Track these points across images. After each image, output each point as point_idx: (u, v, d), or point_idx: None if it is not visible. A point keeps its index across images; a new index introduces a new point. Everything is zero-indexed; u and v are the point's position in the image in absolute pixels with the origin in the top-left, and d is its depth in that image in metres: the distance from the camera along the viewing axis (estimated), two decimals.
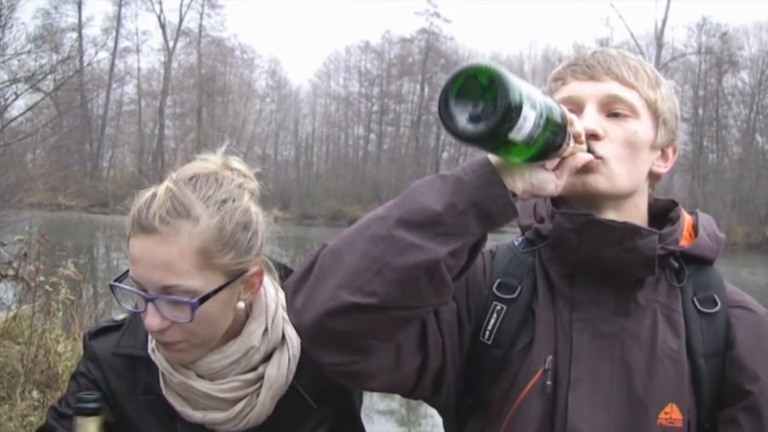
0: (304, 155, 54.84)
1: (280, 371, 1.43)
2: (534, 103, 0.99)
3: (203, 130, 50.74)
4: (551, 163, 1.12)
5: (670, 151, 1.36)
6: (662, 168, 1.35)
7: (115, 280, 1.38)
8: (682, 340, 1.26)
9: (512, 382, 1.27)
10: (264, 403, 1.42)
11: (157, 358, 1.44)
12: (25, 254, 6.02)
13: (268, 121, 56.11)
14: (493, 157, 1.08)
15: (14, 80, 9.60)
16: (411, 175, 50.24)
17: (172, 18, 56.84)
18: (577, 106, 1.28)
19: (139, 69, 53.85)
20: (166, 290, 1.31)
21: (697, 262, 1.33)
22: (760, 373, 1.26)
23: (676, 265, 1.31)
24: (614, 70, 1.29)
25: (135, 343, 1.48)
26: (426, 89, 53.75)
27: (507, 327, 1.29)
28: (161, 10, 53.16)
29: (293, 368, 1.45)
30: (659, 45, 48.33)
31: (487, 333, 1.29)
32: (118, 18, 51.86)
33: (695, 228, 1.36)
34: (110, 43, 49.85)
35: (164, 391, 1.44)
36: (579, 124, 1.14)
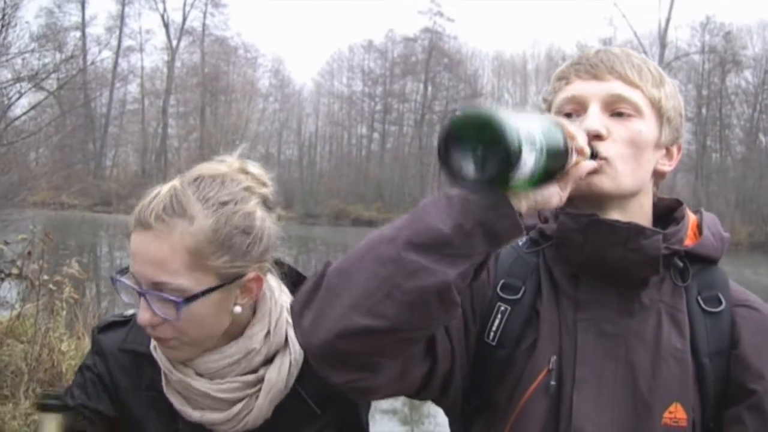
0: (307, 154, 54.87)
1: (280, 375, 1.43)
2: (533, 141, 0.98)
3: (206, 129, 50.82)
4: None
5: (674, 149, 1.35)
6: (667, 167, 1.35)
7: (117, 272, 1.40)
8: (686, 340, 1.26)
9: (517, 382, 1.27)
10: (262, 406, 1.41)
11: (158, 355, 1.44)
12: (29, 253, 6.02)
13: (272, 120, 56.15)
14: None
15: (18, 79, 9.62)
16: (414, 174, 50.32)
17: (175, 17, 56.88)
18: (580, 106, 1.28)
19: (142, 68, 54.10)
20: (157, 286, 1.32)
21: (702, 261, 1.32)
22: (764, 371, 1.25)
23: (681, 264, 1.31)
24: (618, 69, 1.29)
25: (141, 339, 1.48)
26: (429, 88, 53.75)
27: (511, 328, 1.28)
28: (164, 9, 53.33)
29: (294, 372, 1.45)
30: (663, 44, 48.24)
31: (492, 334, 1.29)
32: (122, 17, 52.04)
33: (700, 227, 1.36)
34: (113, 42, 50.11)
35: (165, 389, 1.45)
36: (582, 138, 1.13)
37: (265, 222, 1.40)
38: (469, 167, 0.99)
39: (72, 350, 6.02)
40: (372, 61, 56.19)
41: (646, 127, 1.28)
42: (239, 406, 1.41)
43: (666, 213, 1.37)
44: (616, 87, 1.28)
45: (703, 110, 47.55)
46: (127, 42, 52.45)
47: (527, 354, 1.27)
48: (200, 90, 52.76)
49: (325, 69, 58.05)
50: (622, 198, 1.28)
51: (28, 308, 6.34)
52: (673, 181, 33.58)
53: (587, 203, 1.27)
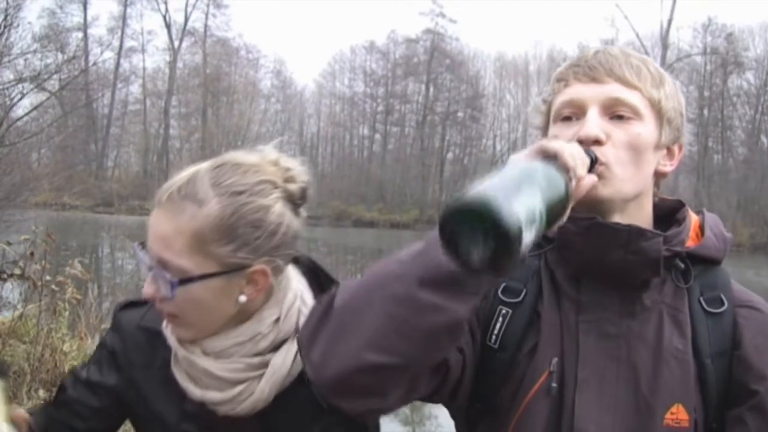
0: (309, 155, 54.77)
1: (285, 361, 1.42)
2: (533, 216, 0.97)
3: (208, 129, 50.84)
4: None
5: (675, 148, 1.35)
6: (668, 167, 1.34)
7: (139, 243, 1.43)
8: (687, 340, 1.26)
9: (519, 384, 1.27)
10: (263, 389, 1.41)
11: (167, 331, 1.47)
12: (32, 253, 6.04)
13: (273, 121, 56.13)
14: None
15: (20, 80, 9.65)
16: (415, 175, 50.33)
17: (177, 18, 56.72)
18: (579, 109, 1.28)
19: (144, 69, 54.07)
20: (161, 263, 1.35)
21: (704, 262, 1.32)
22: (767, 372, 1.25)
23: (682, 266, 1.30)
24: (616, 71, 1.28)
25: (158, 318, 1.49)
26: (431, 89, 53.74)
27: (512, 330, 1.29)
28: (166, 10, 53.26)
29: (300, 361, 1.45)
30: (664, 45, 48.21)
31: (494, 337, 1.29)
32: (124, 18, 52.03)
33: (702, 228, 1.36)
34: (115, 43, 50.05)
35: (173, 367, 1.47)
36: (582, 169, 1.12)
37: (284, 218, 1.39)
38: (470, 247, 0.97)
39: (74, 351, 6.03)
40: (374, 62, 56.22)
41: (645, 129, 1.28)
42: (240, 387, 1.41)
43: (668, 214, 1.37)
44: (614, 90, 1.27)
45: (705, 112, 47.49)
46: (129, 43, 52.52)
47: (529, 356, 1.27)
48: (202, 91, 52.74)
49: (326, 70, 58.15)
50: (622, 202, 1.28)
51: (31, 309, 6.35)
52: (674, 183, 33.55)
53: (587, 206, 1.27)
